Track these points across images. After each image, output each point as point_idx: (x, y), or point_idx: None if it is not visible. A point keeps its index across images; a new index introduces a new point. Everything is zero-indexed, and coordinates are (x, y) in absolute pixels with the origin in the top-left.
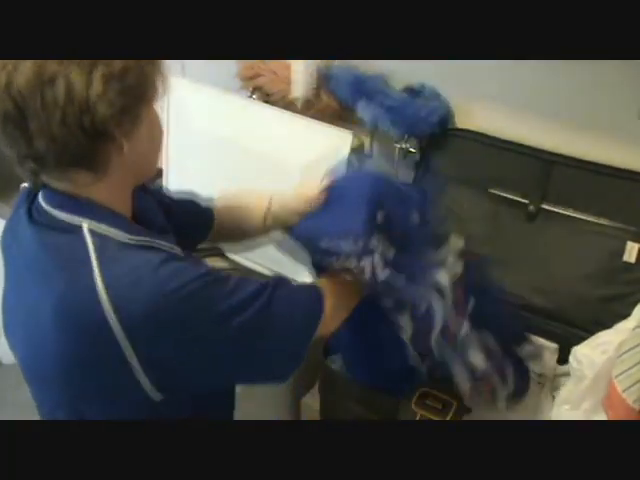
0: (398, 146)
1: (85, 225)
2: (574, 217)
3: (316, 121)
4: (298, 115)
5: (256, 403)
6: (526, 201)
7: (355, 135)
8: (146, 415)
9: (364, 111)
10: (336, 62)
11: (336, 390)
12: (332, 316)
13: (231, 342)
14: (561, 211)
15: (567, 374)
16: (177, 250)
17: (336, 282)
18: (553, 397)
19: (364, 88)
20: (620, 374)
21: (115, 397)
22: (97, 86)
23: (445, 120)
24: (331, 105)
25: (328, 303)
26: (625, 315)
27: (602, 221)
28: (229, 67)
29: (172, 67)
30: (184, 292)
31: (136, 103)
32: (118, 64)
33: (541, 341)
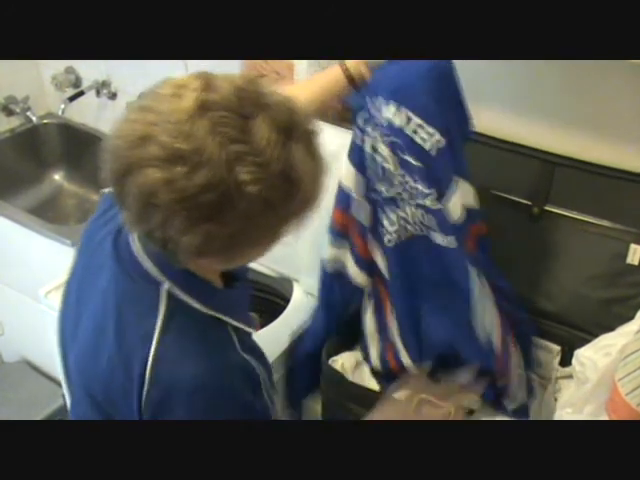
0: None
1: (166, 283)
2: (577, 219)
3: (319, 122)
4: None
5: None
6: (529, 203)
7: None
8: None
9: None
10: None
11: (337, 390)
12: None
13: None
14: (564, 213)
15: (569, 376)
16: (245, 326)
17: None
18: (555, 399)
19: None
20: (623, 377)
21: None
22: (196, 238)
23: None
24: (334, 106)
25: None
26: (628, 317)
27: (605, 223)
28: (232, 67)
29: (175, 67)
30: (211, 394)
31: (236, 252)
32: (235, 225)
33: (544, 343)
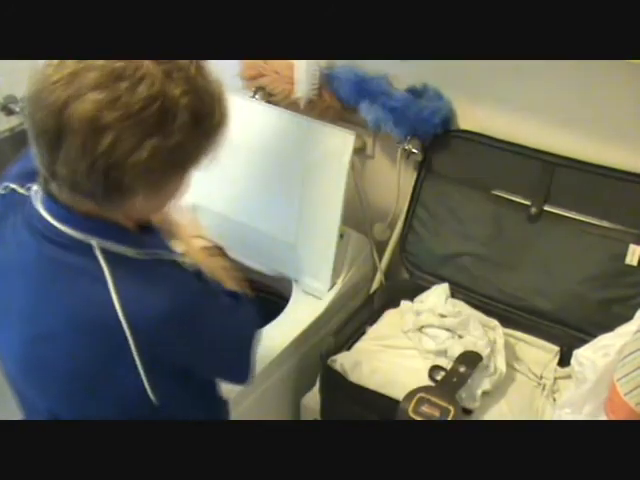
0: (401, 147)
1: (95, 244)
2: (576, 219)
3: (319, 121)
4: (301, 115)
5: (255, 403)
6: (528, 203)
7: (358, 135)
8: (144, 417)
9: (367, 112)
10: (339, 62)
11: (336, 391)
12: None
13: (221, 343)
14: (563, 213)
15: (568, 376)
16: (176, 252)
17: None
18: (554, 399)
19: (367, 88)
20: (622, 377)
21: (117, 400)
22: (142, 154)
23: (448, 121)
24: (334, 105)
25: None
26: (627, 318)
27: (604, 223)
28: (232, 67)
29: None
30: (189, 305)
31: (173, 173)
32: (174, 138)
33: (542, 343)
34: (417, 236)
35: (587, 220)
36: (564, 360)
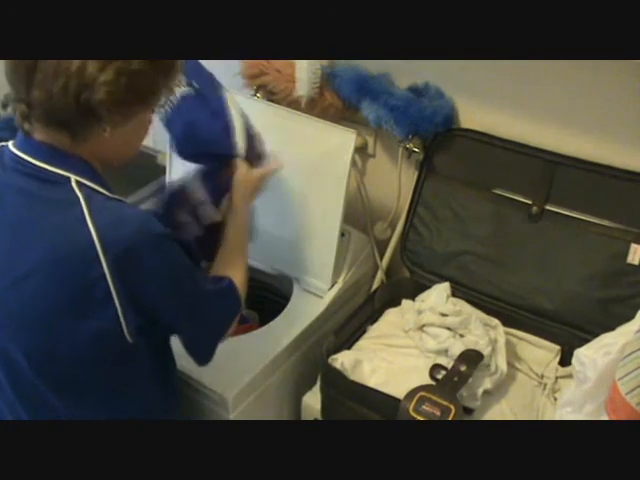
0: (402, 145)
1: (72, 177)
2: (578, 218)
3: (320, 120)
4: (302, 114)
5: (256, 402)
6: (529, 202)
7: (359, 134)
8: (111, 357)
9: (368, 110)
10: (340, 61)
11: (337, 389)
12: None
13: (187, 292)
14: (565, 212)
15: (569, 376)
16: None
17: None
18: (555, 399)
19: (368, 87)
20: (623, 377)
21: (91, 337)
22: (108, 73)
23: (449, 120)
24: (335, 104)
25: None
26: (628, 317)
27: (606, 223)
28: (233, 65)
29: None
30: (163, 240)
31: (134, 103)
32: (135, 65)
33: (543, 342)
34: (418, 235)
35: (588, 219)
36: (565, 359)
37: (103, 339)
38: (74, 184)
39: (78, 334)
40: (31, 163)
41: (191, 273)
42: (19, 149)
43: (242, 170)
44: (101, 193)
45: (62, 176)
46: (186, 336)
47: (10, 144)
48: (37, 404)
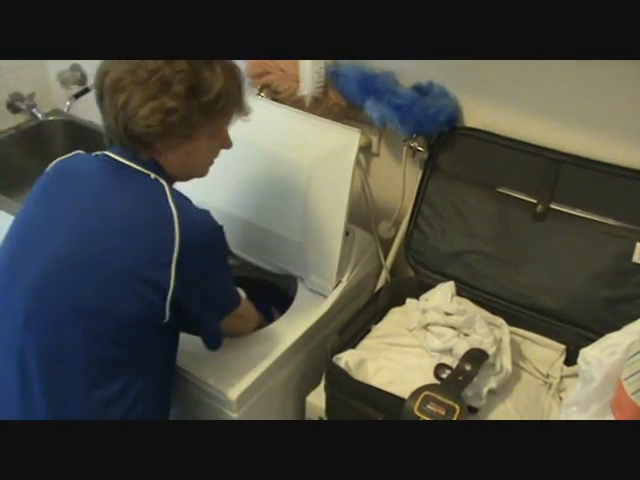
0: (406, 144)
1: (152, 175)
2: (583, 217)
3: (324, 119)
4: (306, 113)
5: (260, 401)
6: (534, 201)
7: (363, 133)
8: (147, 330)
9: (372, 109)
10: (344, 60)
11: (341, 389)
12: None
13: (221, 291)
14: (570, 211)
15: (574, 375)
16: None
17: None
18: (560, 398)
19: (372, 86)
20: (629, 377)
21: (139, 303)
22: (144, 111)
23: (453, 119)
24: (339, 103)
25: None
26: (634, 317)
27: (611, 221)
28: (237, 64)
29: None
30: (221, 240)
31: (174, 135)
32: (167, 105)
33: (548, 341)
34: (422, 234)
35: (593, 218)
36: (570, 359)
37: (151, 308)
38: (163, 182)
39: (136, 297)
40: (118, 160)
41: (228, 271)
42: (112, 152)
43: None
44: (177, 192)
45: (143, 172)
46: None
47: (107, 150)
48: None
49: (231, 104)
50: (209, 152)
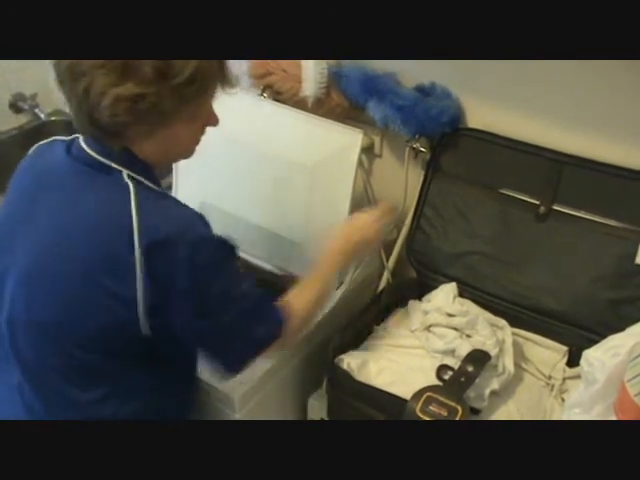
0: (409, 145)
1: (125, 172)
2: (585, 218)
3: (326, 120)
4: (308, 114)
5: (262, 402)
6: (537, 202)
7: (365, 134)
8: (130, 346)
9: (375, 110)
10: (347, 61)
11: (343, 390)
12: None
13: (213, 300)
14: (572, 212)
15: (577, 376)
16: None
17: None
18: (562, 400)
19: (375, 87)
20: (632, 378)
21: (107, 311)
22: (106, 100)
23: (456, 119)
24: (341, 104)
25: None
26: (637, 318)
27: (614, 223)
28: (240, 65)
29: None
30: (205, 241)
31: (146, 121)
32: (133, 91)
33: (551, 343)
34: (425, 235)
35: (596, 219)
36: (573, 360)
37: (121, 321)
38: (125, 176)
39: (101, 309)
40: (90, 155)
41: (229, 281)
42: (84, 142)
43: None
44: (151, 189)
45: (115, 169)
46: (206, 345)
47: (81, 137)
48: (52, 392)
49: (210, 81)
50: (190, 136)
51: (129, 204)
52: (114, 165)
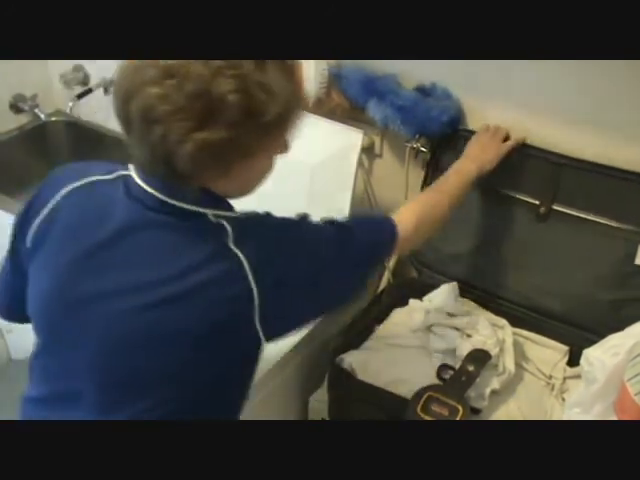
0: (409, 145)
1: (209, 213)
2: (585, 219)
3: (327, 120)
4: (309, 114)
5: (263, 402)
6: (537, 202)
7: (366, 134)
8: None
9: (375, 110)
10: (347, 61)
11: (344, 389)
12: (410, 239)
13: (327, 268)
14: (572, 212)
15: (577, 376)
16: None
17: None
18: (563, 399)
19: (375, 87)
20: (632, 378)
21: (230, 357)
22: (188, 148)
23: (456, 120)
24: (342, 104)
25: (406, 229)
26: (638, 319)
27: (614, 223)
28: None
29: None
30: (300, 243)
31: (228, 163)
32: (221, 133)
33: (552, 343)
34: None
35: (596, 220)
36: (574, 360)
37: (241, 355)
38: (211, 217)
39: (217, 355)
40: (165, 202)
41: (332, 249)
42: (148, 184)
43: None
44: (237, 218)
45: (199, 212)
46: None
47: (133, 174)
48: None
49: (295, 112)
50: (269, 165)
51: (229, 247)
52: (196, 208)
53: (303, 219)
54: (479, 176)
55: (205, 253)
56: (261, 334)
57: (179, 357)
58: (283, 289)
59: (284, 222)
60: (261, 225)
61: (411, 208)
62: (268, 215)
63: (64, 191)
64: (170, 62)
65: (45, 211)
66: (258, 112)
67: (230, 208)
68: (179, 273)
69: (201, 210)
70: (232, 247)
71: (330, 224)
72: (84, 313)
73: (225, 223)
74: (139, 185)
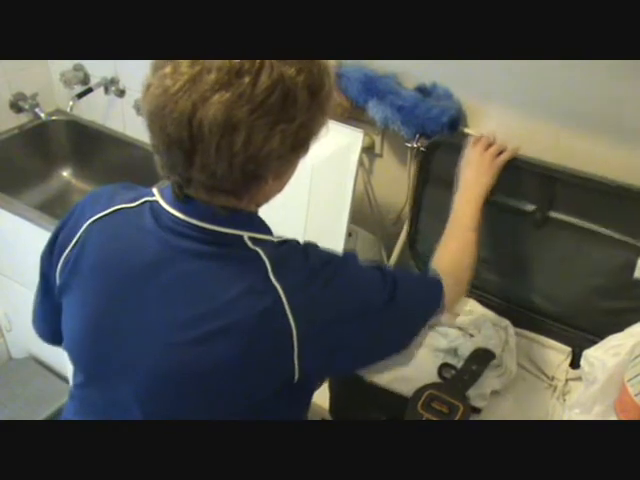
0: (409, 145)
1: (245, 235)
2: (583, 227)
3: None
4: None
5: None
6: (533, 208)
7: (366, 134)
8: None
9: (375, 110)
10: (347, 61)
11: (345, 387)
12: (451, 298)
13: (372, 322)
14: (569, 220)
15: (579, 378)
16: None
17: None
18: (565, 401)
19: (375, 87)
20: (632, 378)
21: (267, 390)
22: (274, 142)
23: (456, 120)
24: (342, 104)
25: (447, 289)
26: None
27: (611, 233)
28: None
29: None
30: (338, 278)
31: (298, 154)
32: (297, 121)
33: (554, 344)
34: (425, 236)
35: (593, 228)
36: (576, 361)
37: (279, 387)
38: (247, 241)
39: (256, 389)
40: (199, 227)
41: (376, 293)
42: (178, 210)
43: (477, 150)
44: (271, 241)
45: (235, 235)
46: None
47: (161, 202)
48: None
49: (333, 83)
50: (296, 166)
51: (268, 279)
52: (232, 231)
53: (349, 256)
54: (485, 197)
55: (244, 285)
56: (296, 370)
57: (220, 390)
58: (326, 328)
59: (328, 257)
60: (304, 257)
61: (445, 259)
62: (308, 245)
63: (89, 222)
64: (229, 61)
65: (71, 244)
66: (318, 88)
67: (266, 228)
68: (219, 306)
69: (237, 233)
70: (272, 278)
71: (377, 270)
72: (128, 346)
73: (261, 252)
74: (168, 212)
